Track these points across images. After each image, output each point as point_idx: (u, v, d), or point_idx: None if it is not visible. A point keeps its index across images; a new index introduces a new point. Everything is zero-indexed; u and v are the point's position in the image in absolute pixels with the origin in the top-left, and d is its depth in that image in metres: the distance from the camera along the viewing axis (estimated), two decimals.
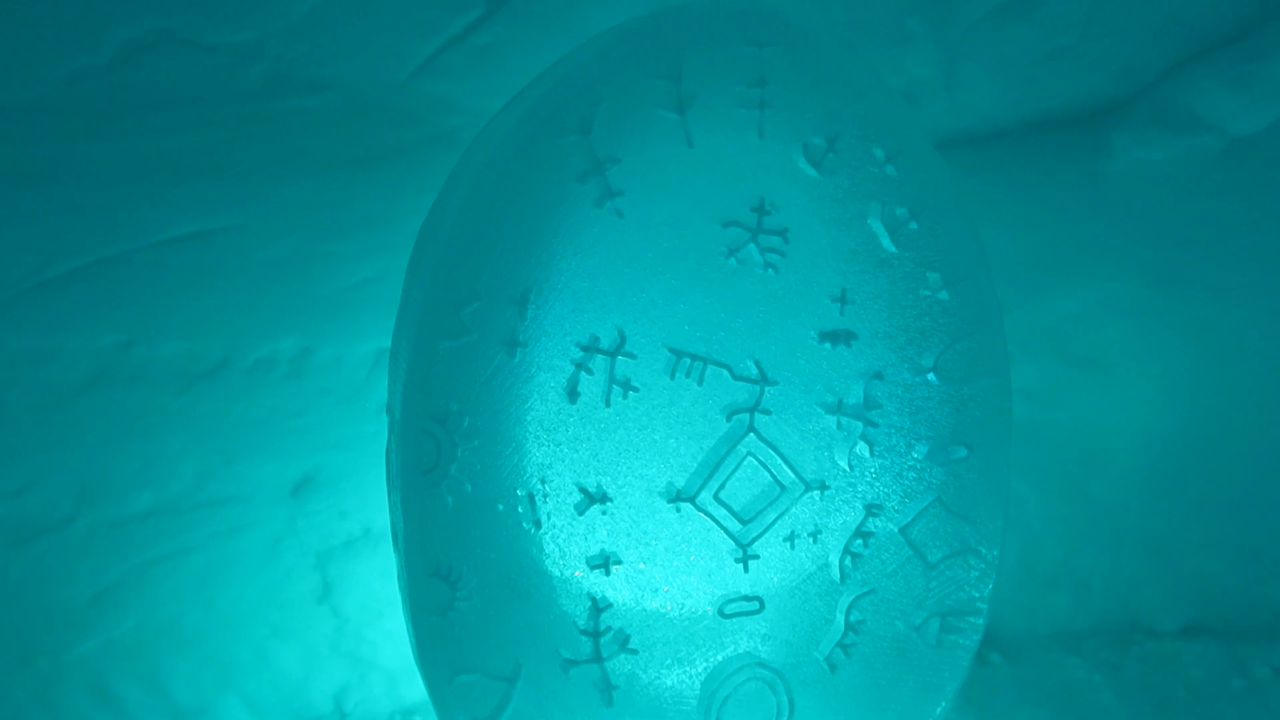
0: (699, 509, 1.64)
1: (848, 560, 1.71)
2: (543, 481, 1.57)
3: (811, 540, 1.70)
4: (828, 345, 1.67)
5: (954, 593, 1.75)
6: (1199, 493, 2.59)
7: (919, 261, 1.69)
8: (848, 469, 1.70)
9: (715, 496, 1.65)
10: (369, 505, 2.24)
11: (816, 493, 1.69)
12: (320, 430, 2.18)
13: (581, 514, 1.59)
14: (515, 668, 1.58)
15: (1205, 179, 2.31)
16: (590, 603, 1.60)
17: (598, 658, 1.61)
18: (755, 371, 1.64)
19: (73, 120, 1.91)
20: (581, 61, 1.58)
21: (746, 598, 1.68)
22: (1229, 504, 2.59)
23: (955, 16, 2.13)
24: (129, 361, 2.04)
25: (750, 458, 1.65)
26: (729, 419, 1.64)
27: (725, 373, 1.63)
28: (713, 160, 1.60)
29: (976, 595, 1.75)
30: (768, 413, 1.65)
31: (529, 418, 1.56)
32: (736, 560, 1.66)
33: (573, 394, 1.57)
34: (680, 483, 1.63)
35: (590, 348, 1.57)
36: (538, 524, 1.57)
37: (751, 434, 1.65)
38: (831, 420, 1.68)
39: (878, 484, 1.71)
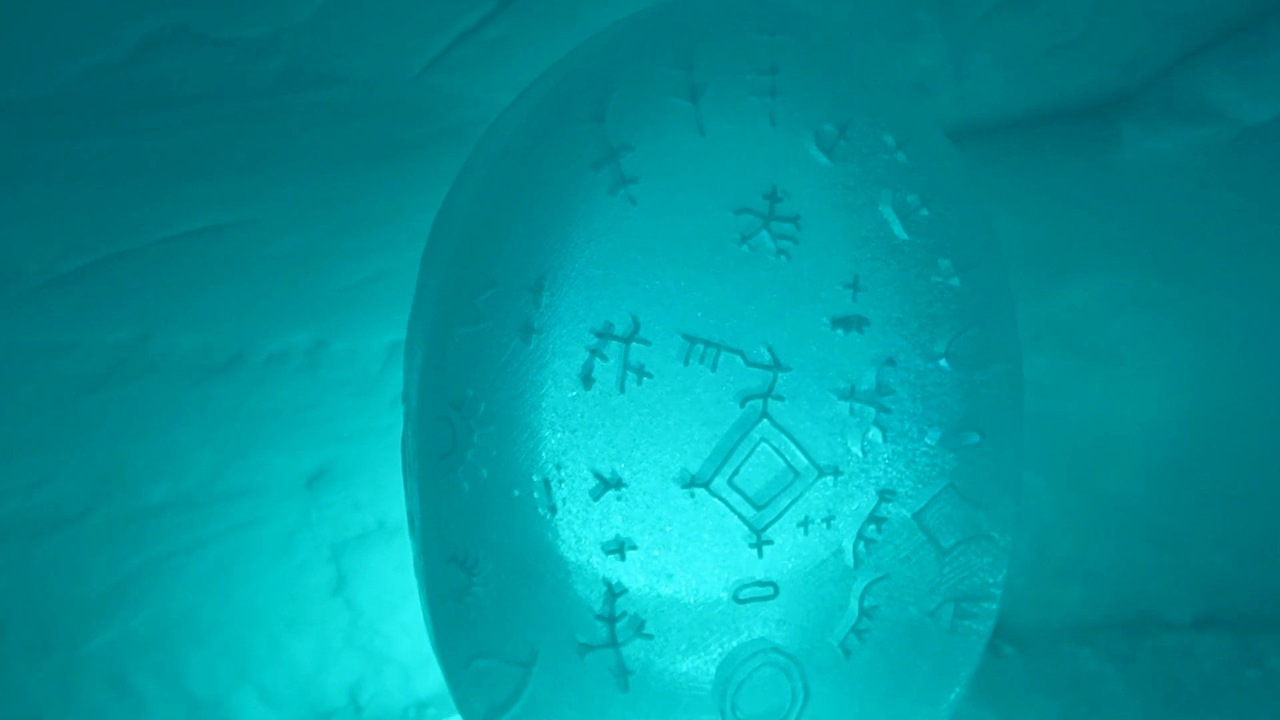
0: (713, 494, 1.65)
1: (861, 545, 1.71)
2: (558, 467, 1.58)
3: (825, 526, 1.70)
4: (840, 331, 1.67)
5: (967, 578, 1.75)
6: (1210, 485, 2.59)
7: (930, 248, 1.70)
8: (861, 455, 1.71)
9: (729, 482, 1.65)
10: (383, 498, 2.25)
11: (830, 478, 1.69)
12: (334, 423, 2.19)
13: (596, 499, 1.60)
14: (531, 653, 1.58)
15: (1215, 169, 2.31)
16: (605, 588, 1.61)
17: (613, 643, 1.62)
18: (768, 357, 1.65)
19: (88, 116, 1.93)
20: (594, 51, 1.59)
21: (761, 583, 1.68)
22: (1241, 496, 2.59)
23: (964, 9, 2.14)
24: (144, 355, 2.05)
25: (764, 443, 1.66)
26: (742, 405, 1.65)
27: (738, 359, 1.64)
28: (725, 148, 1.61)
29: (990, 580, 1.76)
30: (781, 399, 1.66)
31: (544, 404, 1.57)
32: (751, 546, 1.67)
33: (587, 380, 1.58)
34: (694, 468, 1.63)
35: (605, 334, 1.58)
36: (553, 509, 1.58)
37: (765, 420, 1.65)
38: (844, 406, 1.69)
39: (891, 470, 1.72)
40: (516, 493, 1.56)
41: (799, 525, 1.69)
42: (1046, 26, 2.17)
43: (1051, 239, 2.42)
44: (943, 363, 1.72)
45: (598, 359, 1.58)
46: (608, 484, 1.60)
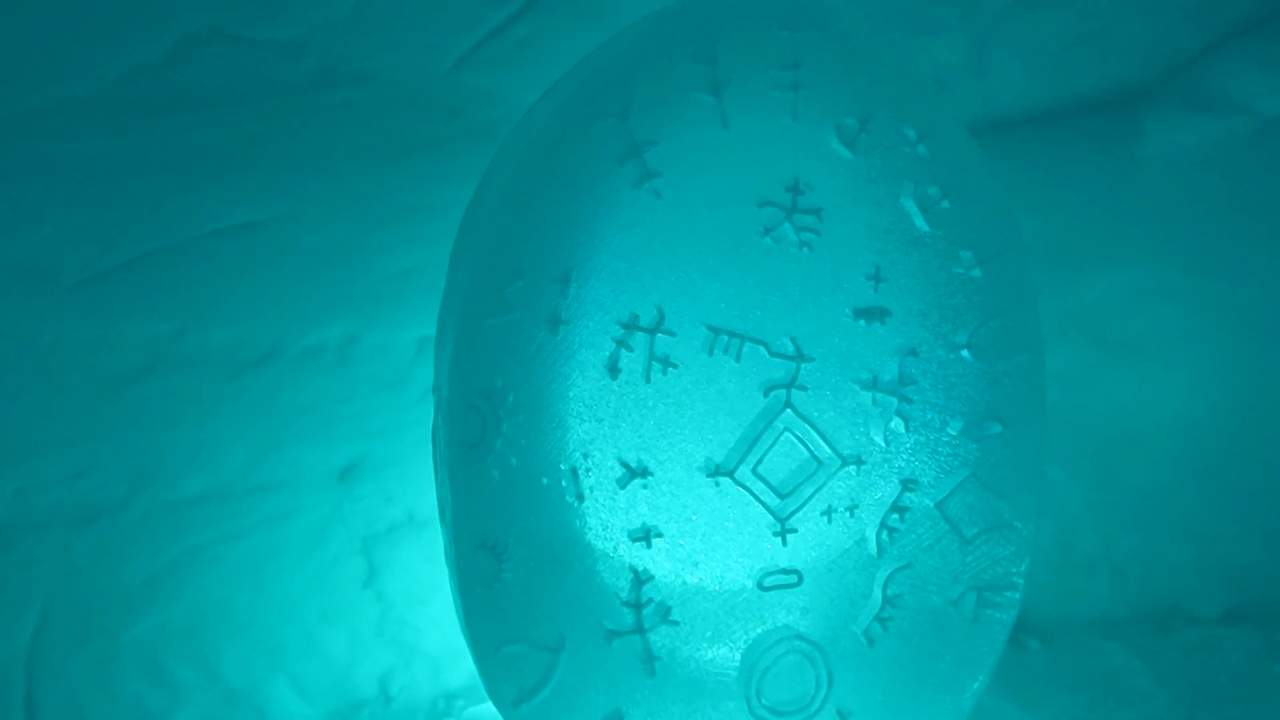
0: (738, 483, 1.67)
1: (884, 535, 1.73)
2: (585, 456, 1.61)
3: (849, 515, 1.72)
4: (862, 322, 1.69)
5: (990, 567, 1.76)
6: (1236, 478, 2.58)
7: (951, 239, 1.71)
8: (883, 444, 1.72)
9: (753, 471, 1.67)
10: (413, 491, 2.28)
11: (853, 468, 1.71)
12: (366, 417, 2.22)
13: (623, 488, 1.62)
14: (560, 638, 1.61)
15: (1238, 161, 2.31)
16: (632, 575, 1.63)
17: (640, 629, 1.64)
18: (792, 348, 1.67)
19: (128, 116, 1.98)
20: (619, 48, 1.62)
21: (785, 571, 1.70)
22: (1268, 489, 2.57)
23: (985, 3, 2.15)
24: (181, 349, 2.09)
25: (787, 433, 1.68)
26: (766, 395, 1.67)
27: (762, 349, 1.66)
28: (748, 141, 1.63)
29: (1013, 570, 1.77)
30: (804, 389, 1.68)
31: (571, 394, 1.59)
32: (775, 534, 1.69)
33: (614, 370, 1.60)
34: (719, 457, 1.66)
35: (630, 325, 1.61)
36: (580, 498, 1.61)
37: (788, 410, 1.68)
38: (867, 396, 1.71)
39: (913, 459, 1.73)
40: (545, 481, 1.59)
41: (823, 514, 1.71)
42: (1067, 20, 2.18)
43: (1074, 233, 2.42)
44: (965, 353, 1.73)
45: (624, 350, 1.61)
46: (634, 473, 1.63)
